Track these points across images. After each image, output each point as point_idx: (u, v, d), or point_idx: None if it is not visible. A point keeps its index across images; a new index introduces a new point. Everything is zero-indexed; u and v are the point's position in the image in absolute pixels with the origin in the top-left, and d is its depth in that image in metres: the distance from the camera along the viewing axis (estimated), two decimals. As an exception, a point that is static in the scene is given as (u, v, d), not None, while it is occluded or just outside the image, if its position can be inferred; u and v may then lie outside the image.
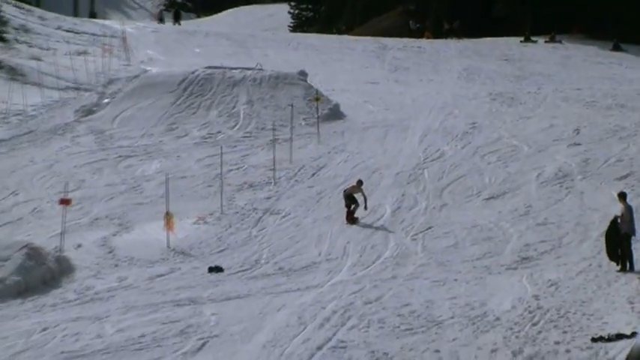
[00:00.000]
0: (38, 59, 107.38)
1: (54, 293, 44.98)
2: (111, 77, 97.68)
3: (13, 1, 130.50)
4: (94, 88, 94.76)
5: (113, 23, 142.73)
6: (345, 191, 40.71)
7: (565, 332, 36.20)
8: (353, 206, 37.45)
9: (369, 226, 54.72)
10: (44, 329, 39.33)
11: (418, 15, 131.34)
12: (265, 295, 43.12)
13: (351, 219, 36.12)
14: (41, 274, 47.02)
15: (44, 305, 43.41)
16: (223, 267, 48.83)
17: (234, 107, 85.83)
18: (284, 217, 58.19)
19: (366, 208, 37.62)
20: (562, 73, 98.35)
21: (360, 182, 41.90)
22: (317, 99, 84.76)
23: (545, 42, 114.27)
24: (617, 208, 46.45)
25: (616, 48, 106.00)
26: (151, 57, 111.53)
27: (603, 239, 46.52)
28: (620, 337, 35.13)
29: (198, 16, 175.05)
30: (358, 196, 39.38)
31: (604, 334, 35.45)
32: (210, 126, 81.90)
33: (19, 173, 71.60)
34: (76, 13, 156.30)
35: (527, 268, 46.96)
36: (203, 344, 36.03)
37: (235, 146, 73.84)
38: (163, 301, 41.21)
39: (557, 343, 35.00)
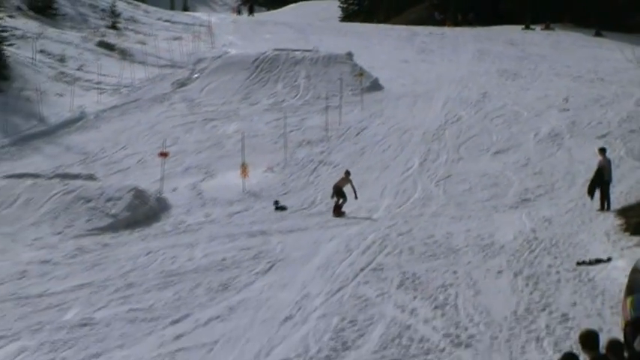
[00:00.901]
0: (143, 43, 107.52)
1: (155, 226, 45.55)
2: (199, 57, 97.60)
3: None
4: (186, 66, 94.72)
5: (201, 15, 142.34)
6: (334, 186, 39.87)
7: (556, 258, 36.13)
8: (341, 201, 34.84)
9: (403, 172, 55.29)
10: (148, 253, 40.05)
11: (441, 8, 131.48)
12: (319, 228, 43.45)
13: (338, 213, 33.47)
14: (145, 211, 47.71)
15: (147, 235, 44.04)
16: (287, 206, 49.34)
17: (295, 81, 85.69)
18: (334, 167, 58.17)
19: (356, 197, 35.35)
20: (554, 54, 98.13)
21: (347, 173, 40.63)
22: (360, 74, 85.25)
23: (541, 29, 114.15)
24: (597, 161, 46.32)
25: (597, 34, 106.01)
26: (231, 42, 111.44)
27: (588, 184, 46.58)
28: (598, 261, 35.13)
29: (268, 10, 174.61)
30: (347, 189, 38.18)
31: (586, 259, 35.42)
32: (277, 96, 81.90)
33: (127, 132, 71.74)
34: (172, 7, 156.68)
35: (526, 207, 46.99)
36: (271, 266, 36.15)
37: (296, 111, 73.76)
38: (240, 232, 41.14)
39: (549, 266, 34.96)
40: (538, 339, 27.35)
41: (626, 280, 25.52)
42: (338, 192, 35.84)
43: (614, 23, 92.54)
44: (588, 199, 45.70)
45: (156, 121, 74.64)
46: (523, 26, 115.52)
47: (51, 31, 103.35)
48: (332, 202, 47.26)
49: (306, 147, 63.14)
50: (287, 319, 30.12)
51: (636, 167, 47.09)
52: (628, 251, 35.68)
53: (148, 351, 27.25)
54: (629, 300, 3.62)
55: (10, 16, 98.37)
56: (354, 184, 36.06)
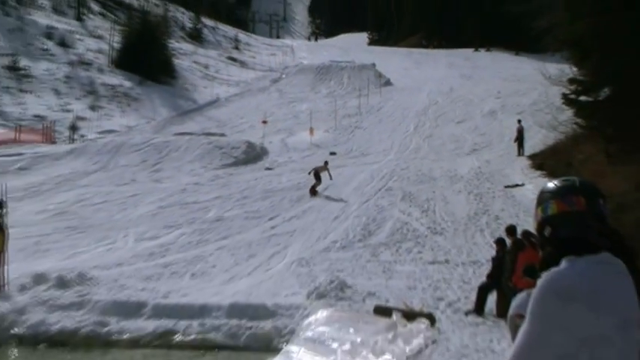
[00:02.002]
0: (253, 57, 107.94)
1: (260, 164, 45.38)
2: (285, 65, 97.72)
3: (243, 31, 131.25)
4: (277, 70, 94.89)
5: (287, 41, 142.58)
6: (314, 169, 35.66)
7: (492, 183, 36.04)
8: (315, 183, 33.33)
9: (404, 133, 55.29)
10: (255, 179, 39.76)
11: (426, 38, 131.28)
12: (355, 165, 43.22)
13: (313, 192, 32.24)
14: (254, 154, 47.54)
15: (254, 168, 43.80)
16: (336, 152, 48.86)
17: (341, 79, 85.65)
18: (364, 130, 58.08)
19: (331, 178, 33.96)
20: (492, 65, 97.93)
21: (326, 163, 36.66)
22: (379, 76, 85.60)
23: (485, 51, 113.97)
24: (516, 127, 46.14)
25: (516, 54, 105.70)
26: (304, 56, 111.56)
27: (513, 140, 46.36)
28: (517, 185, 35.04)
29: (326, 38, 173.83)
30: (324, 174, 34.64)
31: (510, 184, 35.32)
32: (330, 88, 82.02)
33: (243, 109, 71.91)
34: (270, 36, 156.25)
35: (475, 154, 46.53)
36: (326, 187, 35.96)
37: (341, 98, 73.49)
38: (308, 167, 40.86)
39: (488, 188, 34.90)
40: (481, 230, 27.52)
41: (535, 196, 25.43)
42: (315, 175, 34.11)
43: (527, 47, 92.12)
44: (514, 149, 45.49)
45: (260, 102, 74.78)
46: (474, 49, 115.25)
47: (200, 50, 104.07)
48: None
49: (347, 118, 62.98)
50: (336, 218, 30.31)
51: (538, 131, 46.71)
52: (534, 179, 35.56)
53: (255, 235, 27.61)
54: (539, 208, 3.50)
55: (177, 42, 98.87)
56: (330, 171, 34.62)
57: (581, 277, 3.00)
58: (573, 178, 3.40)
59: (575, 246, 3.13)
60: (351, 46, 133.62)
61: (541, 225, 3.35)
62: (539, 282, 3.06)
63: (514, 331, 3.28)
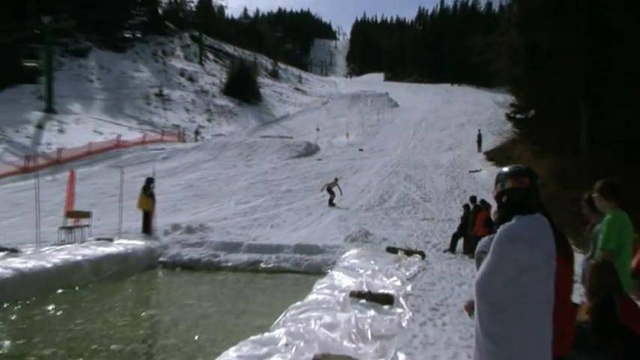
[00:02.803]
0: (310, 88, 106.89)
1: (314, 156, 44.70)
2: (331, 93, 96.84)
3: (303, 70, 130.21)
4: (326, 97, 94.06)
5: (332, 77, 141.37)
6: (326, 185, 28.14)
7: (462, 168, 35.70)
8: (330, 197, 27.04)
9: (406, 137, 54.82)
10: (312, 166, 39.23)
11: (420, 76, 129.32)
12: (375, 157, 42.57)
13: (331, 204, 26.33)
14: (311, 150, 46.63)
15: (310, 159, 43.22)
16: (363, 149, 48.35)
17: (367, 103, 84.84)
18: (381, 134, 57.44)
19: (341, 194, 25.67)
20: (462, 95, 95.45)
21: (336, 179, 28.80)
22: (390, 100, 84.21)
23: (458, 85, 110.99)
24: (477, 134, 45.64)
25: (478, 87, 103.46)
26: (343, 87, 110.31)
27: (475, 142, 45.81)
28: (477, 170, 34.60)
29: (357, 76, 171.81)
30: (335, 189, 27.55)
31: (473, 169, 34.98)
32: (360, 107, 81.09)
33: (304, 122, 71.49)
34: (321, 74, 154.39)
35: (450, 151, 45.89)
36: (356, 171, 35.80)
37: (366, 114, 72.93)
38: (346, 158, 40.75)
39: (459, 172, 34.54)
40: (455, 199, 27.24)
41: (489, 178, 25.09)
42: (328, 190, 27.33)
43: (484, 83, 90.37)
44: (475, 148, 44.97)
45: (315, 117, 74.21)
46: (450, 84, 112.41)
47: (276, 83, 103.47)
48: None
49: (370, 127, 62.44)
50: (362, 191, 30.16)
51: (491, 137, 46.02)
52: (487, 167, 35.10)
53: (311, 201, 27.48)
54: (498, 184, 3.48)
55: (262, 78, 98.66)
56: (340, 187, 28.15)
57: (525, 228, 3.14)
58: (521, 165, 3.53)
59: (521, 209, 3.28)
60: (373, 81, 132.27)
61: (499, 195, 3.46)
62: (499, 231, 3.18)
63: (479, 263, 3.34)
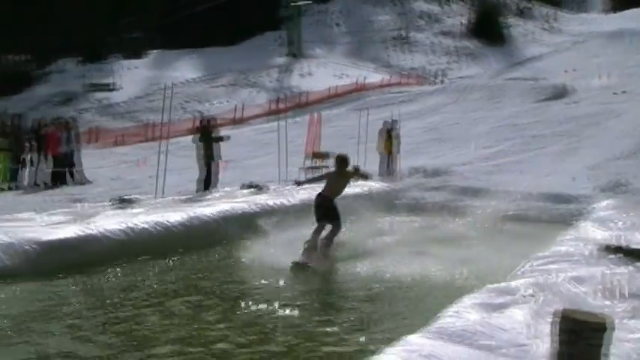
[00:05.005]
0: (562, 26, 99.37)
1: (564, 100, 42.20)
2: (585, 32, 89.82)
3: (555, 7, 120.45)
4: (579, 35, 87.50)
5: (585, 15, 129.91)
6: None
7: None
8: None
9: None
10: (560, 110, 37.00)
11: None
12: (633, 101, 38.93)
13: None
14: (561, 92, 44.00)
15: (559, 103, 40.72)
16: (620, 92, 44.23)
17: (627, 43, 77.48)
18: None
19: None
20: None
21: (357, 168, 23.23)
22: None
23: None
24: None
25: None
26: (598, 26, 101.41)
27: None
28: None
29: (618, 12, 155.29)
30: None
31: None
32: (618, 47, 74.17)
33: (552, 64, 67.78)
34: (576, 11, 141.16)
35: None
36: (615, 116, 33.19)
37: (627, 53, 66.89)
38: (599, 102, 37.82)
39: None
40: None
41: None
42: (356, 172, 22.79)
43: None
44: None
45: (565, 58, 69.56)
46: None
47: (524, 23, 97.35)
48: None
49: (629, 69, 57.46)
50: (616, 137, 27.96)
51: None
52: None
53: (560, 147, 26.11)
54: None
55: (508, 17, 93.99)
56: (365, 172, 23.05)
57: None
58: None
59: None
60: (636, 16, 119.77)
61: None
62: None
63: None
